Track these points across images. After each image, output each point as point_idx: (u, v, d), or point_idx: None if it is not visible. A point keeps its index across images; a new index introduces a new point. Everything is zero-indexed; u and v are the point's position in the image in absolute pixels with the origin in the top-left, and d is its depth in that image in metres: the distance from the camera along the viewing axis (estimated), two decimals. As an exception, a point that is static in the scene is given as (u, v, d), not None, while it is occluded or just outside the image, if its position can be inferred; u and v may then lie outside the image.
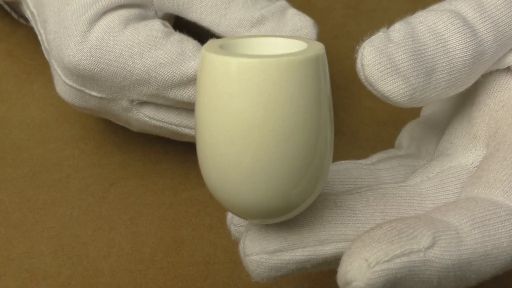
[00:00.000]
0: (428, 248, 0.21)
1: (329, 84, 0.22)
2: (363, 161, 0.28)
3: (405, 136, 0.30)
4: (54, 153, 0.37)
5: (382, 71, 0.23)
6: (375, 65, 0.23)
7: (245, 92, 0.20)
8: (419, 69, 0.23)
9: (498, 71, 0.26)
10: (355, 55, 0.24)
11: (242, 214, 0.22)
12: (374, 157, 0.29)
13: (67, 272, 0.32)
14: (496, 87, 0.26)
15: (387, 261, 0.21)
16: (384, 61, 0.23)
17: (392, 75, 0.23)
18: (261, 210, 0.21)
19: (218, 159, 0.21)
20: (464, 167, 0.26)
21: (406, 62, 0.23)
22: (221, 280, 0.32)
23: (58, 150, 0.37)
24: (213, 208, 0.35)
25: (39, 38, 0.34)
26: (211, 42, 0.22)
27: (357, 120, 0.39)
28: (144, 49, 0.31)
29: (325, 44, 0.44)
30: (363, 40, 0.24)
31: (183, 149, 0.38)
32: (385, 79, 0.23)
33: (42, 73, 0.41)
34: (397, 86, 0.23)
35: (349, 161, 0.27)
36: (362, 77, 0.23)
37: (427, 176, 0.26)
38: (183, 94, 0.31)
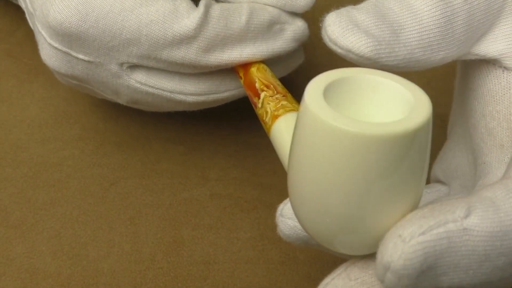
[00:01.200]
0: (465, 217, 0.20)
1: (431, 140, 0.21)
2: None
3: (440, 176, 0.30)
4: (54, 153, 0.37)
5: (343, 27, 0.23)
6: (336, 24, 0.23)
7: (348, 160, 0.19)
8: (382, 26, 0.23)
9: (495, 72, 0.26)
10: None
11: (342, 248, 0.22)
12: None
13: (67, 272, 0.32)
14: (500, 92, 0.26)
15: (423, 233, 0.19)
16: (345, 20, 0.23)
17: (353, 30, 0.23)
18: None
19: (312, 212, 0.21)
20: None
21: (368, 20, 0.23)
22: (221, 280, 0.32)
23: (58, 150, 0.37)
24: (213, 208, 0.35)
25: (23, 5, 0.33)
26: (315, 85, 0.21)
27: (357, 120, 0.39)
28: (134, 5, 0.29)
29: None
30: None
31: (183, 149, 0.37)
32: (346, 33, 0.23)
33: (42, 73, 0.41)
34: (359, 38, 0.23)
35: None
36: (326, 39, 0.23)
37: None
38: (176, 54, 0.30)
